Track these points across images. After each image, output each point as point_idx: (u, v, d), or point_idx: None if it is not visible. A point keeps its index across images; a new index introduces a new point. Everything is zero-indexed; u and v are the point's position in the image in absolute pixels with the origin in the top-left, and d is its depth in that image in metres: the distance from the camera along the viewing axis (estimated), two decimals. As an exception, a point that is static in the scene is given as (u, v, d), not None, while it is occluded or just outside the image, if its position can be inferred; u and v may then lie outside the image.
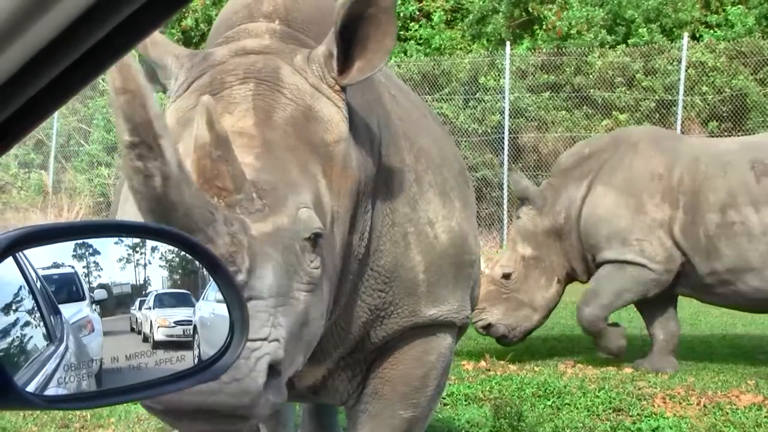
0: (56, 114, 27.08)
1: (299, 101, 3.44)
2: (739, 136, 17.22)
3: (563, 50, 24.63)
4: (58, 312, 1.66)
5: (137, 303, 1.84)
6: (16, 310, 1.55)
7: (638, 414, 7.43)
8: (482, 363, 9.72)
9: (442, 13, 27.65)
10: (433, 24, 27.27)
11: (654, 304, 9.80)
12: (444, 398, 7.71)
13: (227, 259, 2.79)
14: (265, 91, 3.41)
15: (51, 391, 1.58)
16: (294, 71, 3.52)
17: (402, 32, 26.01)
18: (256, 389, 2.86)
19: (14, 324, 1.54)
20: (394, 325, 4.07)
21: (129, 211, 3.25)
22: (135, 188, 2.73)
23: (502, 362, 9.80)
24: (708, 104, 22.95)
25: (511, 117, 23.14)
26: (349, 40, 3.51)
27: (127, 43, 1.35)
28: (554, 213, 10.08)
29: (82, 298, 1.72)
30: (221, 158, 2.96)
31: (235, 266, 2.85)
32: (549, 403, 7.78)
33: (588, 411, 7.53)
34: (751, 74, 22.78)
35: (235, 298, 1.84)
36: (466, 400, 7.97)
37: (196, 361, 1.84)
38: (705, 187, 9.42)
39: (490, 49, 25.72)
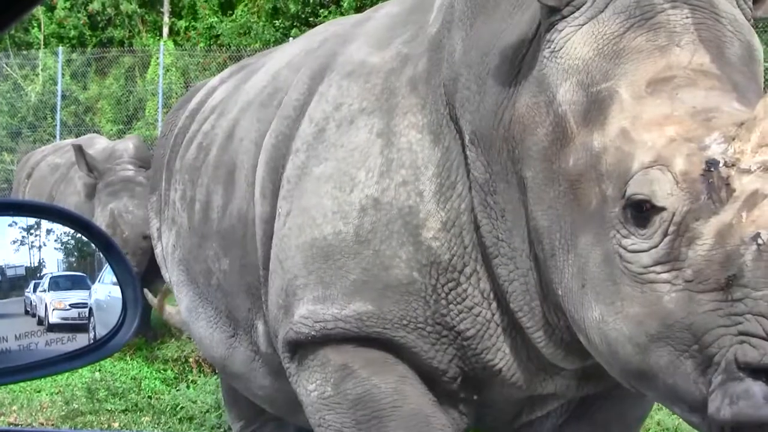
0: (-43, 98, 26.43)
1: (740, 36, 2.88)
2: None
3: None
4: (-52, 294, 1.65)
5: (32, 285, 1.83)
6: None
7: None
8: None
9: (351, -2, 27.56)
10: (342, 10, 27.12)
11: None
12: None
13: None
14: (705, 19, 2.83)
15: (-61, 372, 1.57)
16: None
17: (311, 18, 25.81)
18: None
19: None
20: None
21: None
22: None
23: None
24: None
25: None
26: None
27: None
28: None
29: (-25, 281, 1.71)
30: None
31: None
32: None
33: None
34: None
35: (128, 277, 1.84)
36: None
37: (90, 342, 1.84)
38: None
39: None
